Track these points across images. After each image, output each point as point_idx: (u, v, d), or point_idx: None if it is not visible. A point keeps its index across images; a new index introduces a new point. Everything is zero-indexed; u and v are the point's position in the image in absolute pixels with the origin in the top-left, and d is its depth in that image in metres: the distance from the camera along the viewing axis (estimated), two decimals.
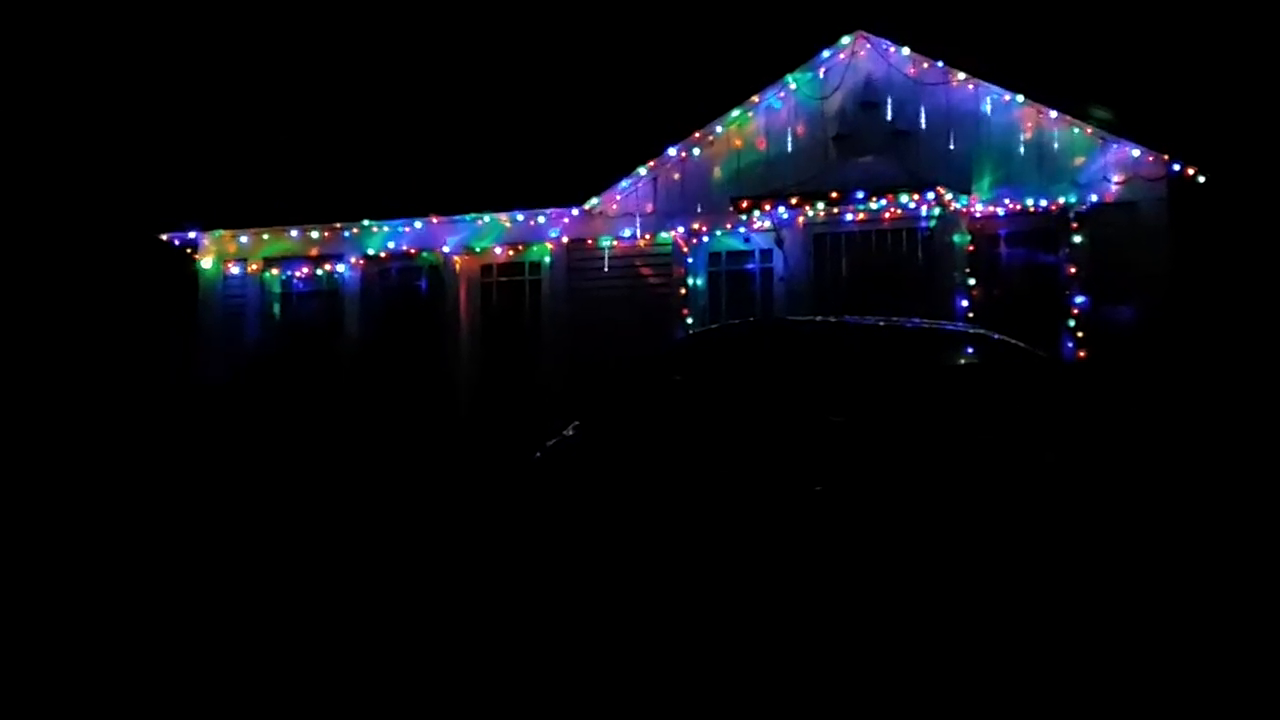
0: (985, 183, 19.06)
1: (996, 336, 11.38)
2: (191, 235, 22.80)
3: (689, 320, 20.05)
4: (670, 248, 20.53)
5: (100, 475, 18.37)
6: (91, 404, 23.35)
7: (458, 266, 21.69)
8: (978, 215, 19.07)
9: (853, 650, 8.26)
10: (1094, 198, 18.64)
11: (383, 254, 22.05)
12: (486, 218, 21.26)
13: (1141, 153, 18.49)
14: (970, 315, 18.50)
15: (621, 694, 7.55)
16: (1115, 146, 18.64)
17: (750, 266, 20.36)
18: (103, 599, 10.44)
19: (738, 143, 20.35)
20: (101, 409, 23.00)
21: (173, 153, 28.24)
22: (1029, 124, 19.09)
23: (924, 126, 19.45)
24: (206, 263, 22.91)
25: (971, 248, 19.02)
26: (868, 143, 19.59)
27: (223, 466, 19.16)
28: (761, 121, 20.28)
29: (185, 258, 23.13)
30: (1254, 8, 23.34)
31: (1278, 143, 20.26)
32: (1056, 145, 18.96)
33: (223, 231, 22.70)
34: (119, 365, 24.95)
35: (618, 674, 7.92)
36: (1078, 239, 18.59)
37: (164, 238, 22.99)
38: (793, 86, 20.00)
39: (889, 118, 19.61)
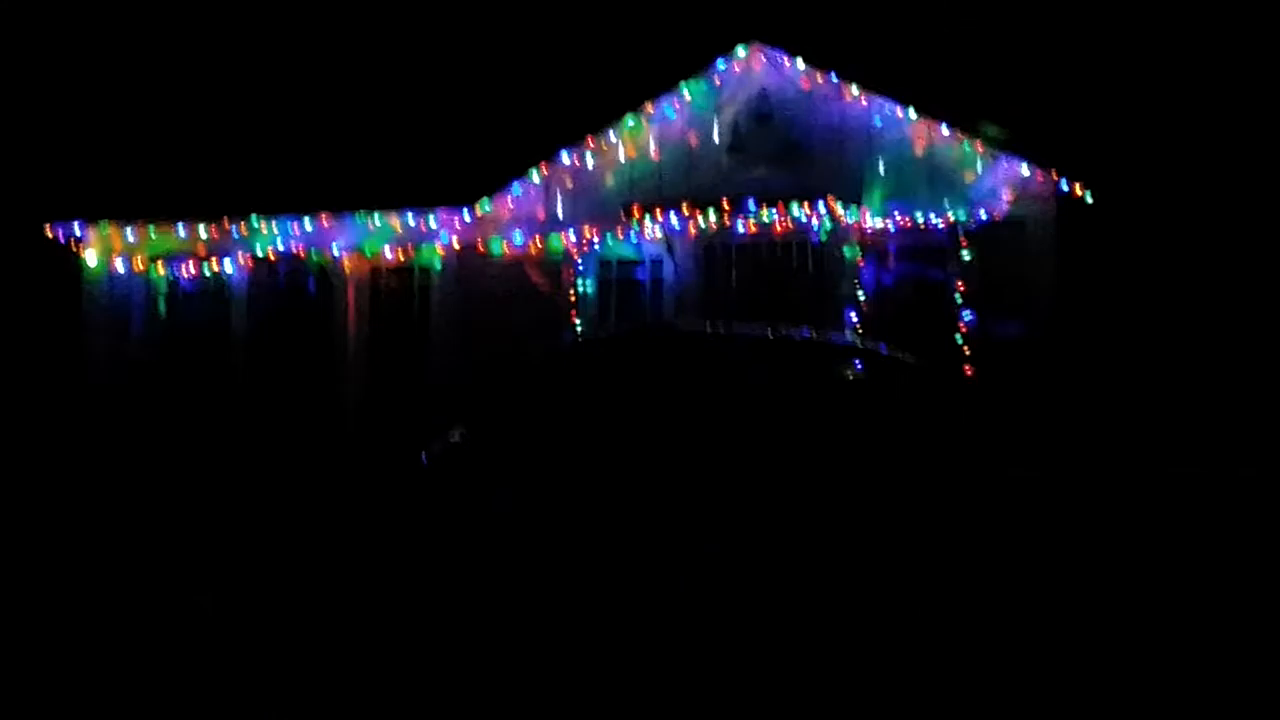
0: (876, 196, 19.14)
1: (884, 349, 11.42)
2: (76, 229, 22.40)
3: (578, 326, 19.97)
4: (561, 253, 20.44)
5: None
6: None
7: (347, 268, 21.50)
8: (869, 229, 19.14)
9: (731, 655, 8.24)
10: (983, 214, 18.76)
11: (271, 253, 21.79)
12: (377, 219, 21.08)
13: (1031, 170, 18.64)
14: (860, 328, 18.57)
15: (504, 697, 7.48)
16: (1005, 163, 18.78)
17: (641, 274, 20.32)
18: None
19: (631, 150, 20.31)
20: None
21: (57, 143, 27.76)
22: (921, 139, 19.19)
23: (817, 139, 19.50)
24: (91, 258, 22.54)
25: (862, 261, 19.09)
26: (761, 154, 19.63)
27: (104, 467, 18.85)
28: (656, 130, 20.24)
29: (69, 252, 22.74)
30: (1141, 30, 23.65)
31: (1161, 163, 20.53)
32: (948, 161, 19.08)
33: (109, 226, 22.31)
34: None
35: (498, 677, 7.85)
36: (966, 255, 18.70)
37: (49, 233, 22.58)
38: (687, 96, 19.99)
39: (782, 129, 19.63)
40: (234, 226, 21.65)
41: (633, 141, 20.32)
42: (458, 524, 10.47)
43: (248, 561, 12.18)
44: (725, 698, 7.67)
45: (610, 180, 20.35)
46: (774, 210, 18.71)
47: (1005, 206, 18.77)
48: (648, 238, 19.84)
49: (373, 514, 12.73)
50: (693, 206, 19.00)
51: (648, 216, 19.27)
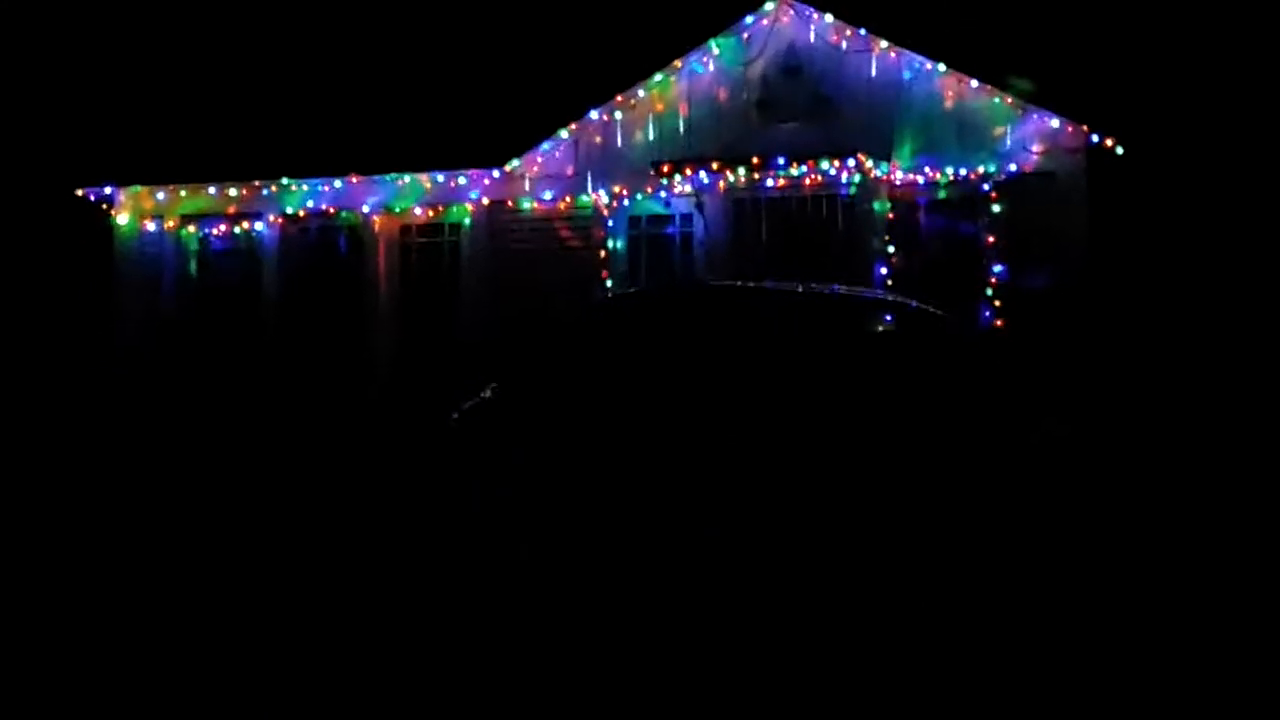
0: (906, 150, 19.13)
1: (914, 304, 11.43)
2: (108, 190, 22.43)
3: (609, 283, 19.98)
4: (591, 211, 20.45)
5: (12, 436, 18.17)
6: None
7: (377, 227, 21.53)
8: (898, 183, 19.14)
9: (776, 619, 8.28)
10: (1013, 167, 18.76)
11: (301, 213, 21.83)
12: (406, 178, 21.12)
13: (1061, 123, 18.61)
14: (890, 282, 18.56)
15: (535, 659, 7.54)
16: (1035, 117, 18.77)
17: (671, 230, 20.32)
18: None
19: (660, 107, 20.29)
20: (13, 369, 22.70)
21: (89, 106, 27.82)
22: (950, 93, 19.16)
23: (846, 94, 19.48)
24: (122, 219, 22.59)
25: (892, 215, 19.08)
26: (790, 109, 19.61)
27: (141, 429, 18.99)
28: (684, 86, 20.22)
29: (101, 213, 22.81)
30: None
31: (1192, 114, 20.46)
32: (977, 115, 19.06)
33: (140, 187, 22.35)
34: (31, 322, 24.64)
35: (529, 638, 7.91)
36: (997, 208, 18.69)
37: (80, 193, 22.63)
38: (716, 51, 19.96)
39: (812, 84, 19.60)
40: (265, 187, 21.69)
41: (662, 98, 20.29)
42: (486, 480, 10.54)
43: (278, 519, 12.28)
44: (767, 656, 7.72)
45: (639, 136, 20.33)
46: (803, 166, 18.72)
47: (1035, 159, 18.76)
48: (677, 194, 19.83)
49: (403, 471, 12.83)
50: (722, 163, 19.00)
51: (677, 173, 19.28)
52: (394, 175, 21.14)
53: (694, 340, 10.72)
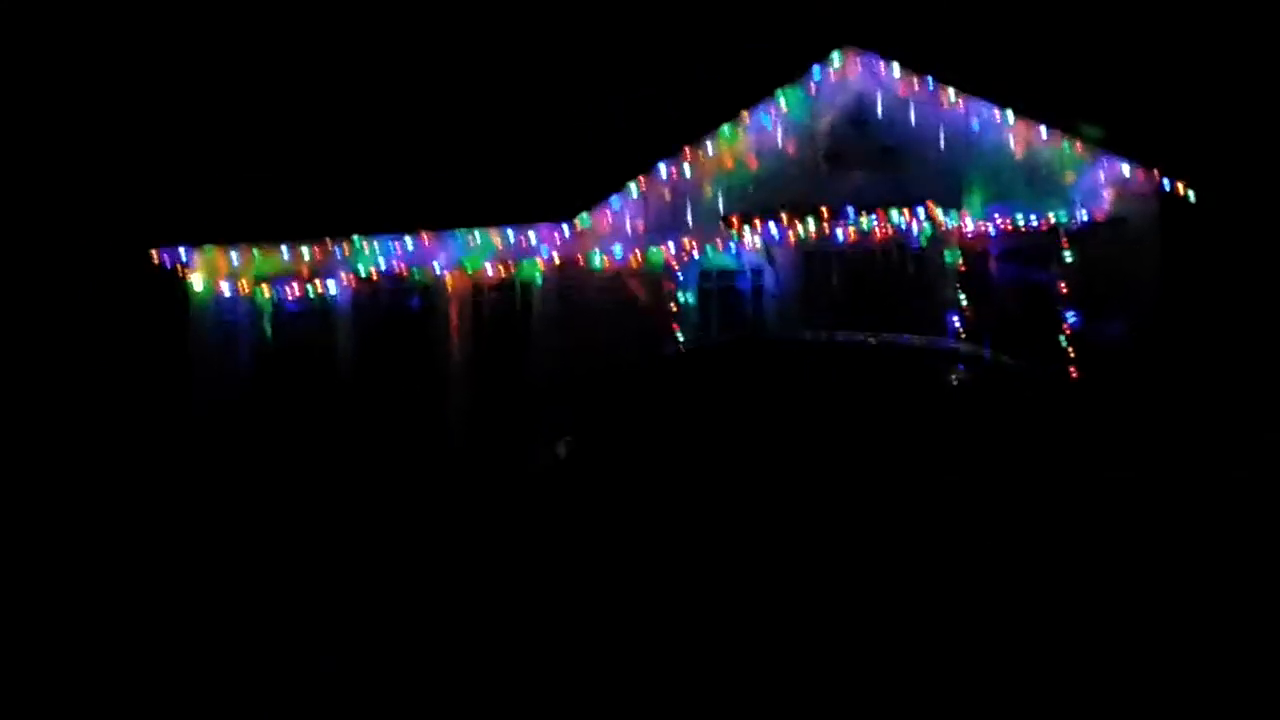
0: (976, 199, 19.08)
1: (988, 354, 11.41)
2: (181, 251, 22.71)
3: (680, 337, 20.01)
4: (661, 265, 20.50)
5: (98, 497, 18.30)
6: (84, 427, 23.23)
7: (449, 284, 21.65)
8: (969, 232, 19.09)
9: (853, 659, 8.24)
10: (1085, 214, 18.69)
11: (374, 271, 21.98)
12: (477, 235, 21.23)
13: (1132, 169, 18.54)
14: (962, 333, 18.50)
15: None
16: (1106, 163, 18.71)
17: (741, 283, 20.32)
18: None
19: (728, 160, 20.34)
20: (94, 433, 22.89)
21: (162, 168, 28.13)
22: (1019, 141, 19.13)
23: (915, 143, 19.47)
24: (197, 281, 22.83)
25: (963, 265, 19.03)
26: (858, 159, 19.61)
27: (224, 487, 19.11)
28: (752, 139, 20.27)
29: (175, 276, 23.04)
30: (1241, 25, 23.40)
31: (1265, 160, 20.31)
32: (1047, 162, 19.01)
33: (213, 248, 22.61)
34: (110, 387, 24.85)
35: (613, 685, 7.91)
36: (1069, 255, 18.61)
37: (154, 255, 22.89)
38: (783, 103, 20.01)
39: (880, 135, 19.62)
40: (337, 247, 21.86)
41: (730, 151, 20.34)
42: (566, 532, 10.58)
43: (373, 567, 12.31)
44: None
45: (709, 190, 20.38)
46: (873, 217, 18.72)
47: (1107, 206, 18.69)
48: (747, 247, 19.86)
49: (486, 524, 12.86)
50: (791, 215, 19.02)
51: (747, 226, 19.33)
52: (464, 231, 21.26)
53: (766, 392, 10.73)
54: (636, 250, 20.64)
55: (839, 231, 19.07)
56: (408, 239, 21.53)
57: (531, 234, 20.98)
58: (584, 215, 20.70)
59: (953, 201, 18.93)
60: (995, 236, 19.11)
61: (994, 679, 7.94)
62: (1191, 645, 8.51)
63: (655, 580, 10.04)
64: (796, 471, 10.12)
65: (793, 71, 19.95)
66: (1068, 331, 18.47)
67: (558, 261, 21.04)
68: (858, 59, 19.70)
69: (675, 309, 20.24)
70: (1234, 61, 22.77)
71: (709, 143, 20.30)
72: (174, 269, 22.93)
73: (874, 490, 9.99)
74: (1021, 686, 7.81)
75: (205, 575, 12.32)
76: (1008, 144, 19.17)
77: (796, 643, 8.84)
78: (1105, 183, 18.71)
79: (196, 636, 9.61)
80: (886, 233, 18.94)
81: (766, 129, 20.16)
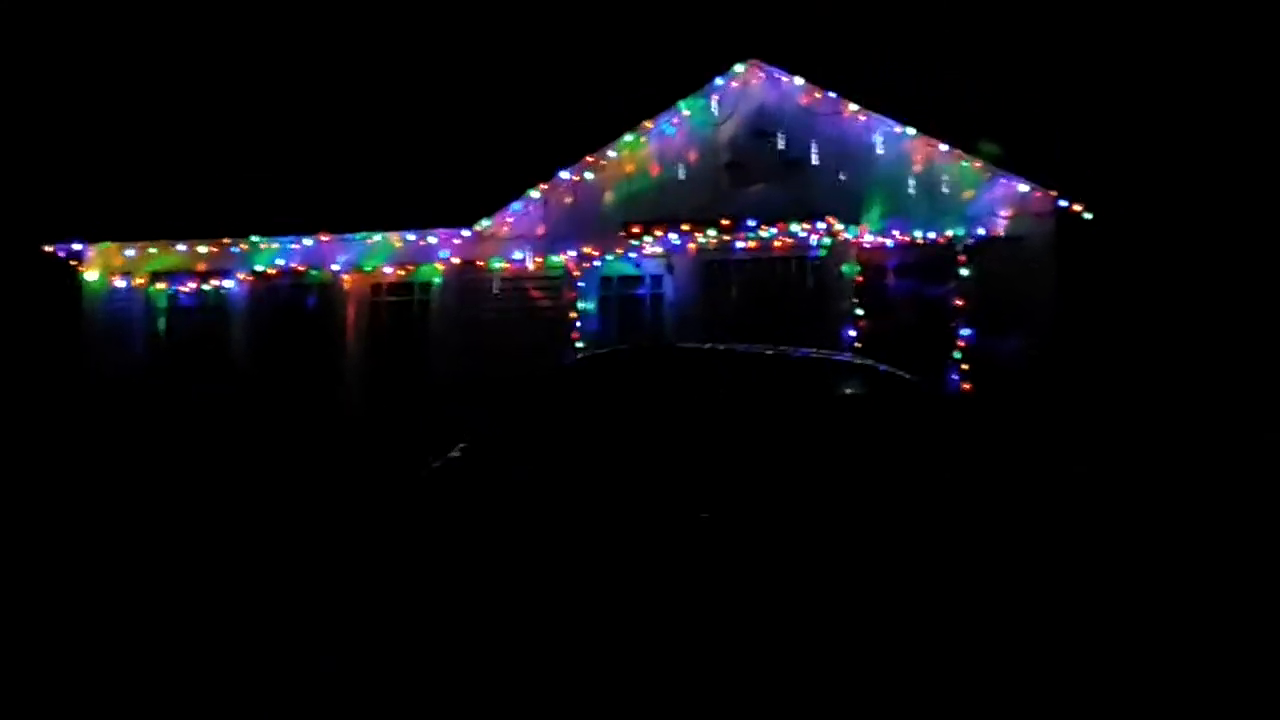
0: (875, 213, 19.22)
1: (883, 368, 11.49)
2: (77, 247, 22.42)
3: (579, 344, 20.00)
4: (561, 271, 20.49)
5: None
6: None
7: (347, 285, 21.53)
8: (867, 245, 19.22)
9: (732, 672, 8.25)
10: (982, 231, 18.88)
11: (271, 270, 21.82)
12: (377, 237, 21.15)
13: (1029, 188, 18.76)
14: (858, 345, 18.61)
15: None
16: (1004, 181, 18.91)
17: (641, 292, 20.36)
18: None
19: (630, 168, 20.37)
20: None
21: (58, 163, 27.81)
22: (919, 157, 19.29)
23: (816, 156, 19.61)
24: (91, 275, 22.57)
25: (860, 278, 19.14)
26: (760, 171, 19.71)
27: (102, 480, 18.86)
28: (654, 147, 20.32)
29: (70, 270, 22.78)
30: (1134, 49, 23.79)
31: (1157, 179, 20.64)
32: (946, 179, 19.19)
33: (109, 244, 22.35)
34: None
35: (497, 689, 7.89)
36: (965, 271, 18.78)
37: (48, 249, 22.61)
38: (686, 113, 20.08)
39: (781, 147, 19.73)
40: (234, 245, 21.69)
41: (632, 159, 20.38)
42: (456, 537, 10.55)
43: (254, 569, 12.21)
44: None
45: (610, 197, 20.40)
46: (773, 228, 18.78)
47: (1004, 224, 18.89)
48: (648, 255, 19.89)
49: (373, 526, 12.79)
50: (692, 224, 19.05)
51: (647, 234, 19.34)
52: (364, 234, 21.17)
53: (662, 402, 10.75)
54: (537, 256, 20.61)
55: (739, 242, 19.13)
56: (306, 239, 21.39)
57: (431, 237, 20.91)
58: (484, 219, 20.65)
59: (852, 215, 19.05)
60: (893, 250, 19.25)
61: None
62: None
63: (532, 581, 10.04)
64: (687, 481, 10.16)
65: (695, 81, 20.01)
66: (962, 347, 18.63)
67: (457, 263, 20.97)
68: (760, 70, 19.80)
69: (574, 316, 20.23)
70: (1128, 84, 23.12)
71: (610, 150, 20.31)
72: (68, 263, 22.66)
73: (766, 501, 10.03)
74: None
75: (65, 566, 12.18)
76: (908, 159, 19.33)
77: (685, 646, 8.86)
78: (1003, 201, 18.90)
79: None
80: (786, 244, 19.02)
81: (669, 138, 20.20)
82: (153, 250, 22.17)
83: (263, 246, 21.66)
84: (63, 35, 30.45)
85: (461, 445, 11.00)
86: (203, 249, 21.85)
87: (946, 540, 9.90)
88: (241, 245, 21.68)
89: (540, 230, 20.67)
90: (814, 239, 18.85)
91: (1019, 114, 20.98)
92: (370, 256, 21.37)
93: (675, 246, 19.44)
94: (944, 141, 19.12)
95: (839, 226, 18.70)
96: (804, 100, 19.66)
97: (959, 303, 18.78)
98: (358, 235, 21.20)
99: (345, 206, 21.53)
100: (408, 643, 9.08)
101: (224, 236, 21.72)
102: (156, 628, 9.74)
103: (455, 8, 27.00)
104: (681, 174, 20.13)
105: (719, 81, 19.93)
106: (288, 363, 21.66)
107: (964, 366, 18.56)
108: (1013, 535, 10.05)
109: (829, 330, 18.57)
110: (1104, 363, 18.80)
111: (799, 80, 19.65)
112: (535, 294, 20.69)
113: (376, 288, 21.62)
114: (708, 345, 12.77)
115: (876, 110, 19.41)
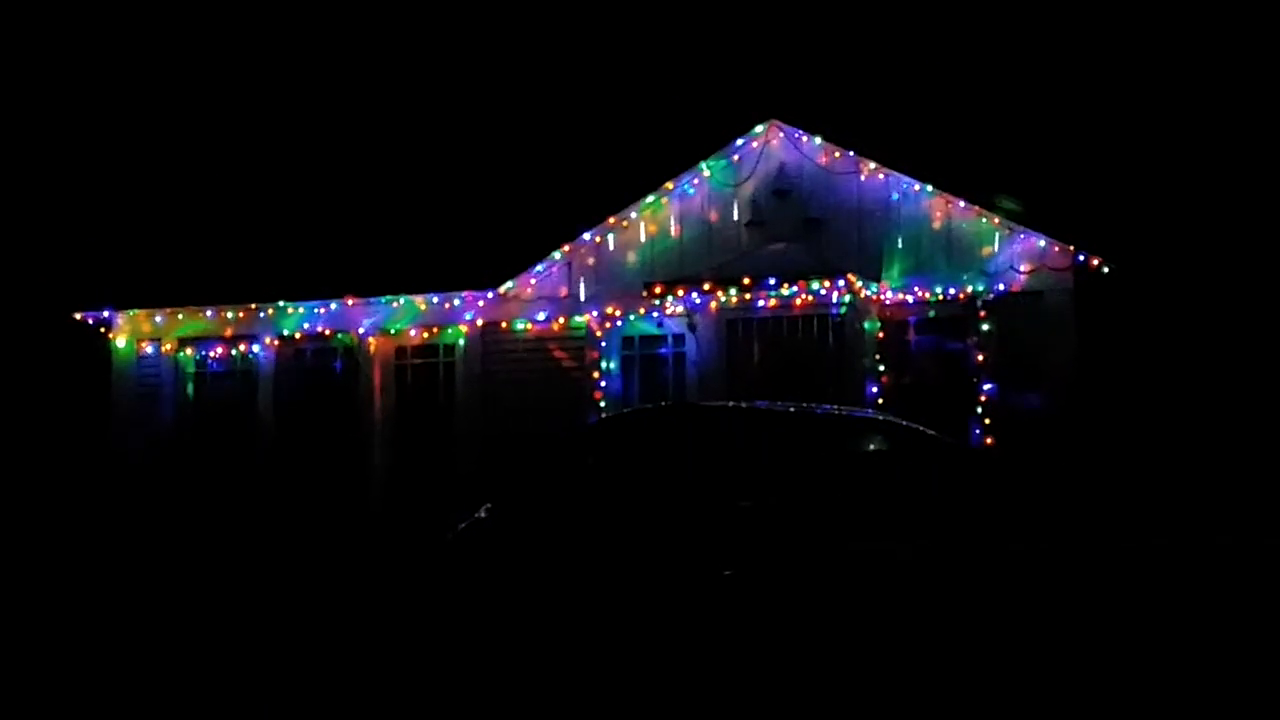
0: (895, 270, 19.32)
1: (905, 423, 11.53)
2: (105, 314, 22.65)
3: (602, 404, 20.11)
4: (584, 331, 20.62)
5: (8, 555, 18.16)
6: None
7: (372, 348, 21.69)
8: (888, 302, 19.32)
9: None
10: (1001, 287, 18.94)
11: (298, 335, 22.01)
12: (401, 300, 21.31)
13: (1048, 243, 18.83)
14: (880, 401, 18.67)
15: None
16: (1022, 236, 18.98)
17: (664, 351, 20.47)
18: None
19: (652, 228, 20.52)
20: (9, 493, 22.73)
21: (87, 231, 28.08)
22: (938, 213, 19.40)
23: (835, 214, 19.73)
24: (120, 341, 22.78)
25: (881, 334, 19.23)
26: (780, 230, 19.82)
27: (137, 546, 18.99)
28: (676, 207, 20.48)
29: (99, 336, 22.99)
30: (1154, 102, 23.90)
31: (1178, 233, 20.68)
32: (965, 235, 19.28)
33: (137, 311, 22.57)
34: (30, 443, 24.68)
35: None
36: (986, 327, 18.85)
37: (78, 316, 22.84)
38: (706, 173, 20.24)
39: (801, 205, 19.85)
40: (261, 310, 21.88)
41: (654, 220, 20.53)
42: (485, 600, 10.59)
43: (276, 633, 12.28)
44: None
45: (632, 258, 20.55)
46: (794, 286, 18.83)
47: (1023, 279, 18.96)
48: (670, 314, 20.00)
49: (400, 592, 12.85)
50: (714, 283, 19.15)
51: (669, 294, 19.42)
52: (389, 297, 21.34)
53: (686, 461, 10.80)
54: (560, 317, 20.76)
55: (760, 300, 19.21)
56: (332, 303, 21.57)
57: (456, 299, 21.05)
58: (508, 281, 20.81)
59: (872, 272, 19.15)
60: (914, 306, 19.35)
61: None
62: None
63: (569, 647, 10.07)
64: (713, 540, 10.20)
65: (716, 141, 20.17)
66: (983, 402, 18.69)
67: (481, 325, 21.11)
68: (780, 130, 19.95)
69: (597, 376, 20.35)
70: (1147, 138, 23.20)
71: (632, 211, 20.48)
72: (97, 329, 22.87)
73: (791, 559, 10.07)
74: None
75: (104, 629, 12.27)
76: (927, 216, 19.44)
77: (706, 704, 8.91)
78: (1022, 256, 18.98)
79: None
80: (807, 302, 19.08)
81: (690, 198, 20.36)
82: (180, 316, 22.38)
83: (289, 311, 21.85)
84: (93, 105, 30.79)
85: (487, 506, 11.05)
86: (230, 314, 22.05)
87: (974, 594, 9.92)
88: (268, 310, 21.88)
89: (563, 291, 20.82)
90: (835, 296, 18.90)
91: (1037, 169, 21.10)
92: (395, 319, 21.53)
93: (697, 305, 19.53)
94: (962, 198, 19.23)
95: (859, 284, 18.77)
96: (823, 159, 19.81)
97: (980, 358, 18.85)
98: (383, 298, 21.37)
99: (370, 270, 21.71)
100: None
101: (251, 301, 21.92)
102: (180, 693, 9.83)
103: (480, 72, 27.26)
104: (703, 233, 20.28)
105: (739, 141, 20.09)
106: (314, 426, 21.79)
107: (986, 421, 18.61)
108: (1042, 593, 10.06)
109: (851, 387, 18.62)
110: (1126, 415, 18.80)
111: (818, 140, 19.81)
112: (559, 354, 20.82)
113: (401, 350, 21.77)
114: (730, 404, 12.85)
115: (894, 168, 19.54)
